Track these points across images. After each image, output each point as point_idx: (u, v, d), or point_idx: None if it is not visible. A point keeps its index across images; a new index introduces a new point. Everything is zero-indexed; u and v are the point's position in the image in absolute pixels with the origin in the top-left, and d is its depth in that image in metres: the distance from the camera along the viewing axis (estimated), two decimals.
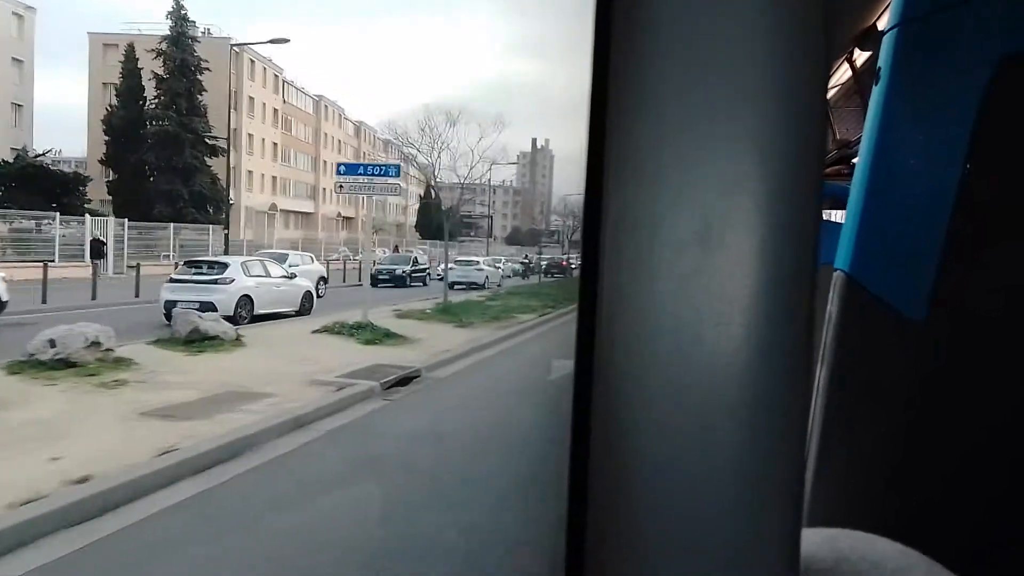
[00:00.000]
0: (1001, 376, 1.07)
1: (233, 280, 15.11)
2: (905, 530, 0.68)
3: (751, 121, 0.52)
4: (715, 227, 0.53)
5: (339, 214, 57.61)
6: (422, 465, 6.70)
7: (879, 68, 1.15)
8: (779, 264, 0.53)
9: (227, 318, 13.51)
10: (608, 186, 0.55)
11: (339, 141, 61.75)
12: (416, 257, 32.74)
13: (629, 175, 0.54)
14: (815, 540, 0.65)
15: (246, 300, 15.06)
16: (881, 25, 5.70)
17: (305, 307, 17.18)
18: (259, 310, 15.29)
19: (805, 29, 0.54)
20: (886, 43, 1.15)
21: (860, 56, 7.30)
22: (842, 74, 7.96)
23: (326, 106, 58.08)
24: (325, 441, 7.54)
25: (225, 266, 15.72)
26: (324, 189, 54.10)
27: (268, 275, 16.56)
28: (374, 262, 29.37)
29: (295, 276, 17.79)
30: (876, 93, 1.15)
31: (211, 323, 12.33)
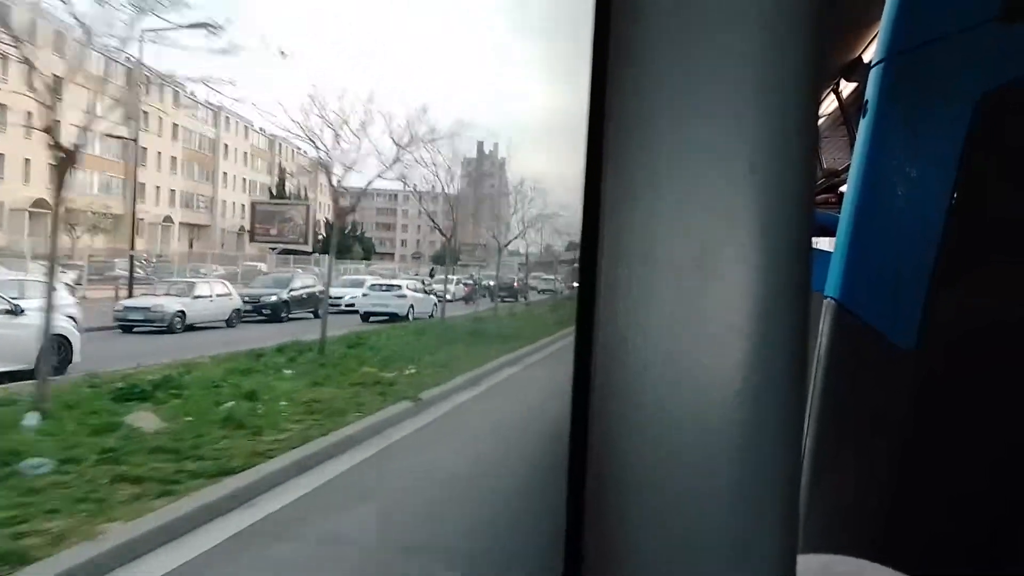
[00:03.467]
0: (991, 403, 1.08)
1: None
2: (898, 556, 0.69)
3: (745, 149, 0.54)
4: (710, 254, 0.54)
5: (41, 201, 27.03)
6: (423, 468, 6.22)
7: (867, 100, 1.18)
8: (774, 290, 0.54)
9: None
10: (604, 213, 0.56)
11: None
12: (292, 278, 21.02)
13: (625, 203, 0.55)
14: (810, 567, 0.65)
15: None
16: (867, 57, 5.81)
17: (57, 365, 9.06)
18: None
19: (797, 61, 0.55)
20: (873, 76, 1.17)
21: (846, 87, 7.43)
22: (828, 104, 8.09)
23: None
24: None
25: None
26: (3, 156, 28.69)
27: None
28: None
29: (20, 311, 9.92)
30: (864, 125, 1.17)
31: None
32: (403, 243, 55.16)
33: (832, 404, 1.13)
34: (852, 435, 1.15)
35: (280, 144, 43.62)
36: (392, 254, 52.51)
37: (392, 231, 57.19)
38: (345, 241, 36.71)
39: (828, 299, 1.16)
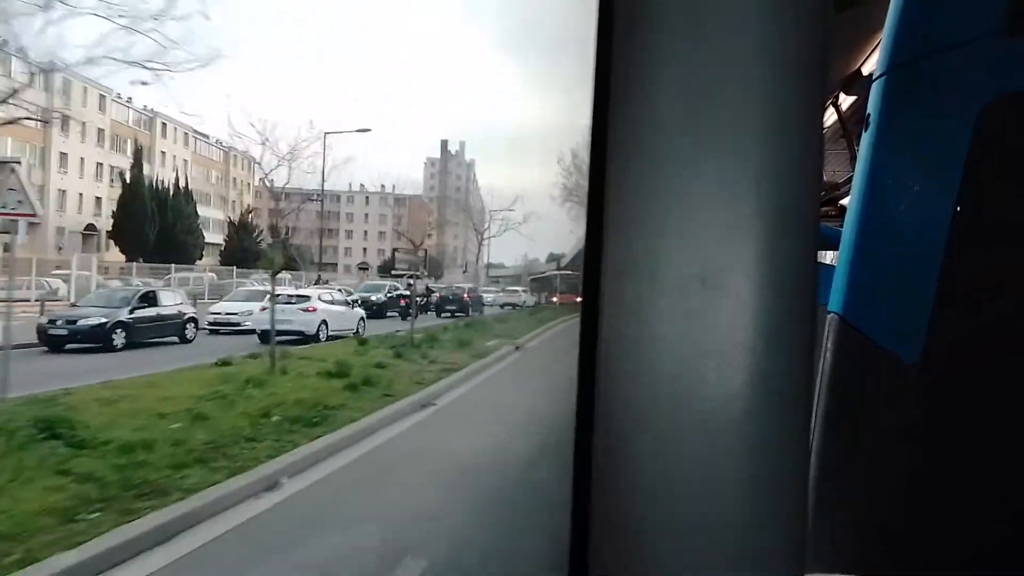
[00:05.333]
0: (996, 415, 1.07)
1: None
2: (905, 566, 0.68)
3: (749, 166, 0.53)
4: (714, 270, 0.53)
5: None
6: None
7: (868, 114, 1.18)
8: (779, 306, 0.53)
9: None
10: (608, 230, 0.56)
11: None
12: None
13: (629, 219, 0.55)
14: None
15: None
16: (866, 70, 5.82)
17: None
18: None
19: (801, 77, 0.55)
20: (875, 89, 1.17)
21: (845, 100, 7.45)
22: (828, 117, 8.11)
23: None
24: None
25: None
26: None
27: None
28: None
29: None
30: (866, 138, 1.17)
31: None
32: (347, 251, 46.08)
33: (836, 417, 1.13)
34: (856, 448, 1.14)
35: (164, 123, 32.60)
36: (335, 264, 43.71)
37: (335, 238, 46.57)
38: (252, 246, 28.75)
39: (831, 314, 1.16)
